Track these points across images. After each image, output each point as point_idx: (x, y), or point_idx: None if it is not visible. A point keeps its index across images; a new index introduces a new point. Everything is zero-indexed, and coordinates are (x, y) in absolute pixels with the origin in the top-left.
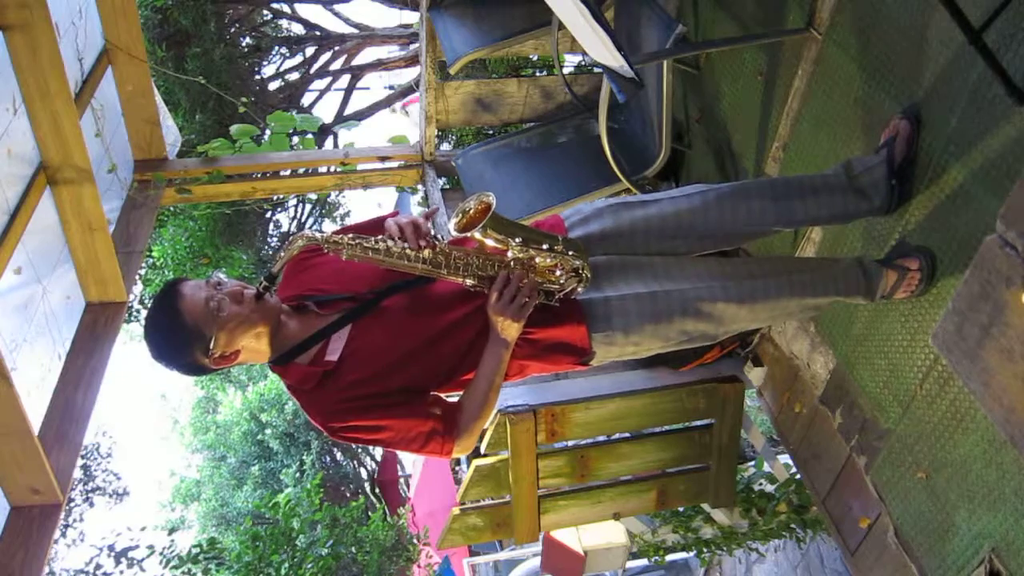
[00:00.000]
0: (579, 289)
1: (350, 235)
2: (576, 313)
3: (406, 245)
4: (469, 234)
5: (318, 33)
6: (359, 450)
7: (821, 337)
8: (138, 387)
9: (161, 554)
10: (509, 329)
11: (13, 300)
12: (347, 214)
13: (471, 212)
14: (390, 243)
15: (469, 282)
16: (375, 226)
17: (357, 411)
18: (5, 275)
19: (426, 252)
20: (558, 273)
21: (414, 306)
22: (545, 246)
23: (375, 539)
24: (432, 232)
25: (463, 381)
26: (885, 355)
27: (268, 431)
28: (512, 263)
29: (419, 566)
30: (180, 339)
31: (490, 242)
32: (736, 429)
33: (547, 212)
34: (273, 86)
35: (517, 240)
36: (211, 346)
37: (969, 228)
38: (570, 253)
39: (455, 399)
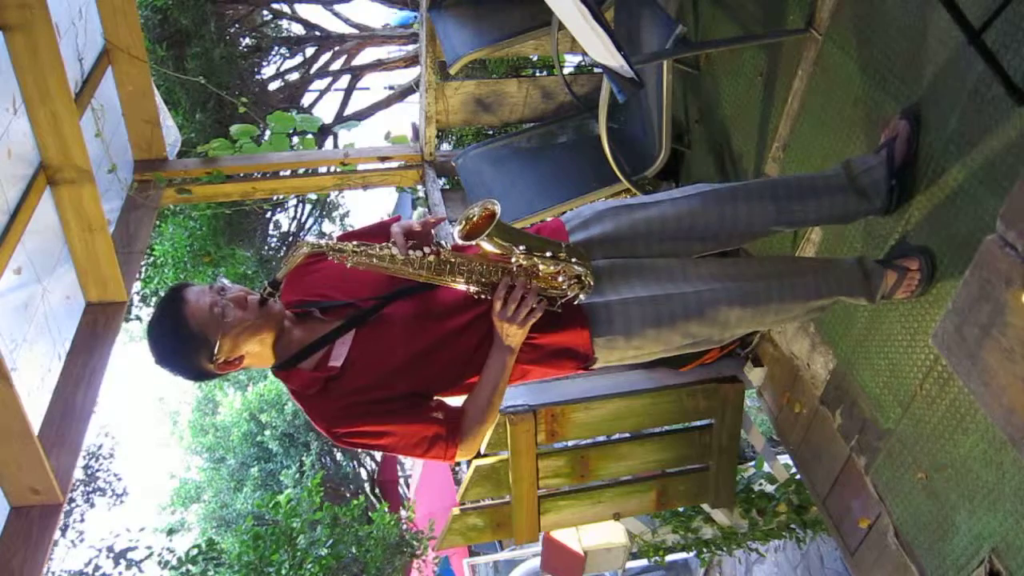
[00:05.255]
0: (582, 296)
1: (354, 242)
2: (579, 318)
3: (410, 252)
4: (473, 242)
5: (318, 33)
6: (359, 451)
7: (821, 337)
8: (137, 388)
9: (159, 555)
10: (514, 336)
11: (13, 300)
12: (347, 214)
13: (475, 219)
14: (394, 250)
15: (473, 289)
16: (379, 231)
17: (361, 416)
18: (5, 275)
19: (430, 259)
20: (561, 279)
21: (418, 312)
22: (549, 253)
23: (379, 536)
24: (436, 238)
25: (468, 385)
26: (885, 355)
27: (268, 432)
28: (515, 270)
29: (425, 561)
30: (184, 344)
31: (494, 249)
32: (736, 429)
33: (548, 212)
34: (273, 86)
35: (521, 248)
36: (215, 351)
37: (969, 228)
38: (573, 260)
39: (459, 403)
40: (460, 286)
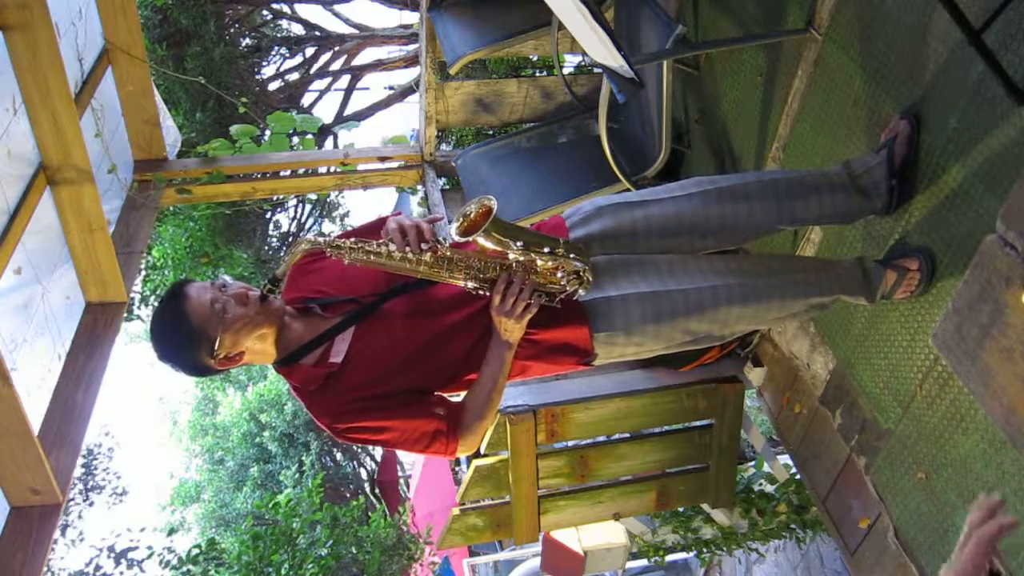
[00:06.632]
0: (581, 291)
1: (352, 239)
2: (578, 314)
3: (408, 249)
4: (471, 238)
5: (318, 33)
6: (359, 450)
7: (821, 337)
8: (137, 388)
9: (160, 555)
10: (512, 331)
11: (13, 300)
12: (347, 214)
13: (472, 216)
14: (391, 247)
15: (471, 285)
16: (377, 227)
17: (362, 412)
18: (5, 275)
19: (427, 255)
20: (559, 275)
21: (417, 308)
22: (546, 249)
23: (376, 538)
24: (433, 234)
25: (467, 381)
26: (885, 355)
27: (267, 433)
28: (514, 265)
29: (422, 565)
30: (185, 340)
31: (492, 245)
32: (736, 429)
33: (547, 212)
34: (273, 86)
35: (518, 244)
36: (216, 347)
37: (969, 228)
38: (571, 256)
39: (459, 399)
40: (458, 282)
